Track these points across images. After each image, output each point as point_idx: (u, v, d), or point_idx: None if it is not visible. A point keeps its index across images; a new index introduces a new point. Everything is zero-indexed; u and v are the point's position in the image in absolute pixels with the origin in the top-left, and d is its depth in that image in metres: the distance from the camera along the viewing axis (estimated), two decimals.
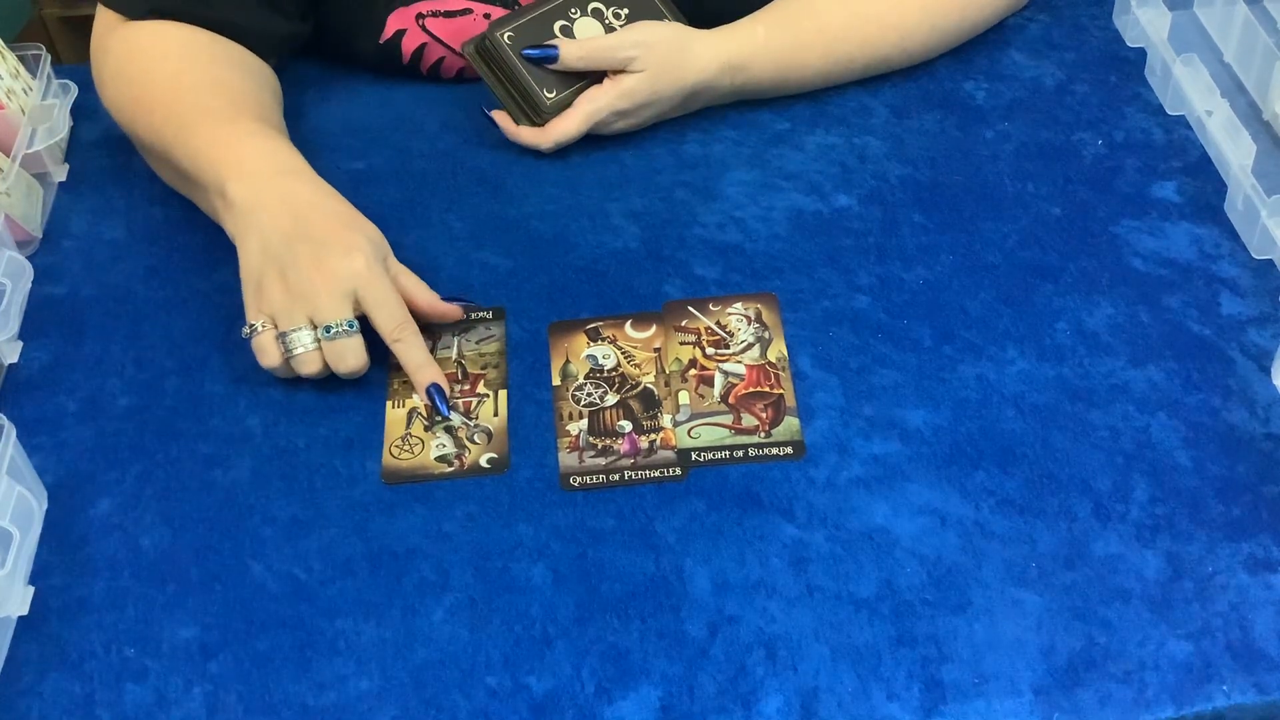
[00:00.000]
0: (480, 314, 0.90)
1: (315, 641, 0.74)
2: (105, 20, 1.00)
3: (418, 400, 0.85)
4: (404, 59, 1.05)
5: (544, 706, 0.71)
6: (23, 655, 0.74)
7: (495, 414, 0.84)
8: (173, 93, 0.93)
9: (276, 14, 1.01)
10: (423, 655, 0.73)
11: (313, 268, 0.82)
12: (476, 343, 0.88)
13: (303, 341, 0.83)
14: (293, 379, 0.86)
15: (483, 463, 0.82)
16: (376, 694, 0.72)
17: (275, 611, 0.75)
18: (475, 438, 0.83)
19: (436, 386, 0.84)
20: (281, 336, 0.83)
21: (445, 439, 0.83)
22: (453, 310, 0.87)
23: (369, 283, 0.83)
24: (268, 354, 0.84)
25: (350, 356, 0.83)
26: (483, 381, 0.86)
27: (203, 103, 0.92)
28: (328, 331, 0.82)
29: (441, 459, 0.82)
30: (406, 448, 0.83)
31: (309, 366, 0.84)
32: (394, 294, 0.84)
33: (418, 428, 0.84)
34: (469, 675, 0.72)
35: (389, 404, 0.85)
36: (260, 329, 0.83)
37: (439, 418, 0.84)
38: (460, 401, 0.85)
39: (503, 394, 0.85)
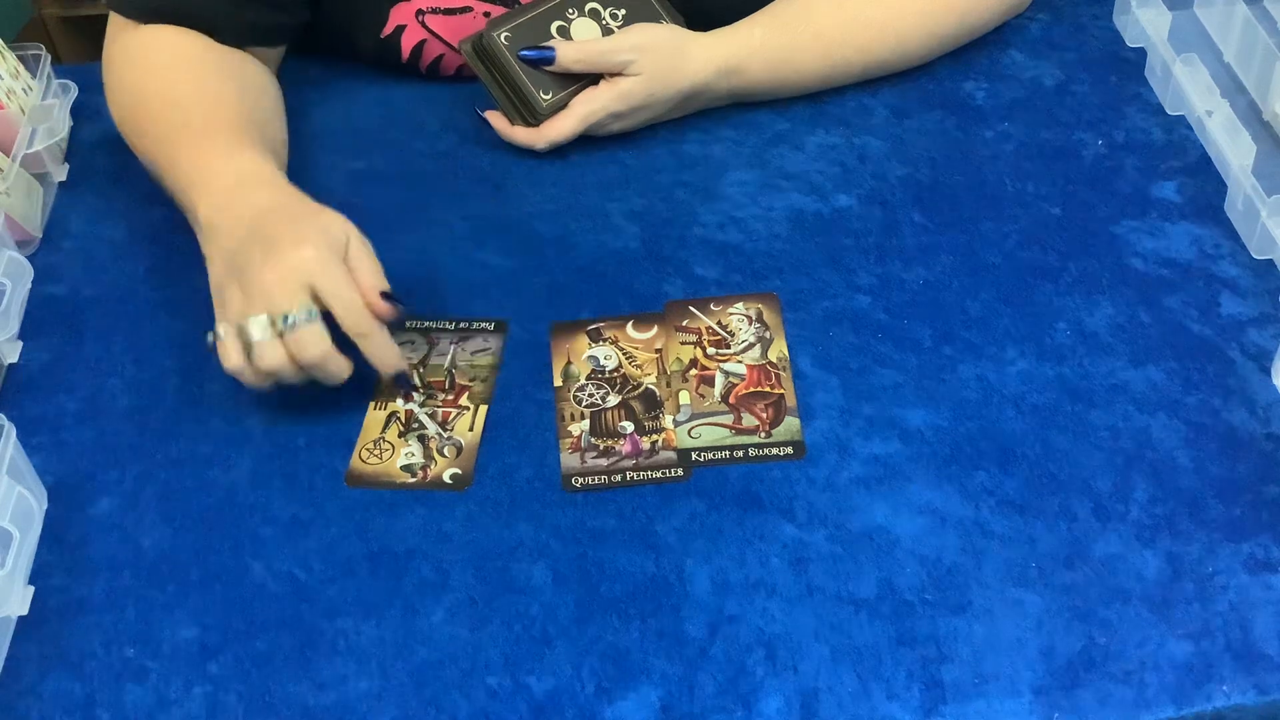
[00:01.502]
0: (482, 325, 0.89)
1: (315, 641, 0.74)
2: (110, 28, 1.00)
3: (400, 404, 0.85)
4: (403, 55, 1.05)
5: (544, 706, 0.71)
6: (23, 655, 0.74)
7: (470, 429, 0.84)
8: (159, 111, 0.94)
9: (271, 7, 1.01)
10: (423, 655, 0.73)
11: (263, 265, 0.80)
12: (471, 354, 0.88)
13: (259, 328, 0.79)
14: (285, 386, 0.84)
15: (445, 477, 0.81)
16: (376, 694, 0.72)
17: (275, 611, 0.75)
18: (445, 450, 0.83)
19: (404, 374, 0.84)
20: (240, 333, 0.81)
21: (415, 448, 0.83)
22: (382, 308, 0.83)
23: (320, 272, 0.80)
24: (229, 355, 0.81)
25: (310, 345, 0.80)
26: (467, 394, 0.86)
27: (182, 119, 0.93)
28: (285, 321, 0.79)
29: (406, 468, 0.82)
30: (376, 452, 0.83)
31: (269, 358, 0.80)
32: (349, 283, 0.81)
33: (392, 433, 0.84)
34: (469, 675, 0.72)
35: (371, 404, 0.85)
36: (223, 334, 0.81)
37: (415, 416, 0.84)
38: (440, 411, 0.85)
39: (483, 409, 0.85)
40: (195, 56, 0.98)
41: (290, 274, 0.80)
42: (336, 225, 0.83)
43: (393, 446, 0.83)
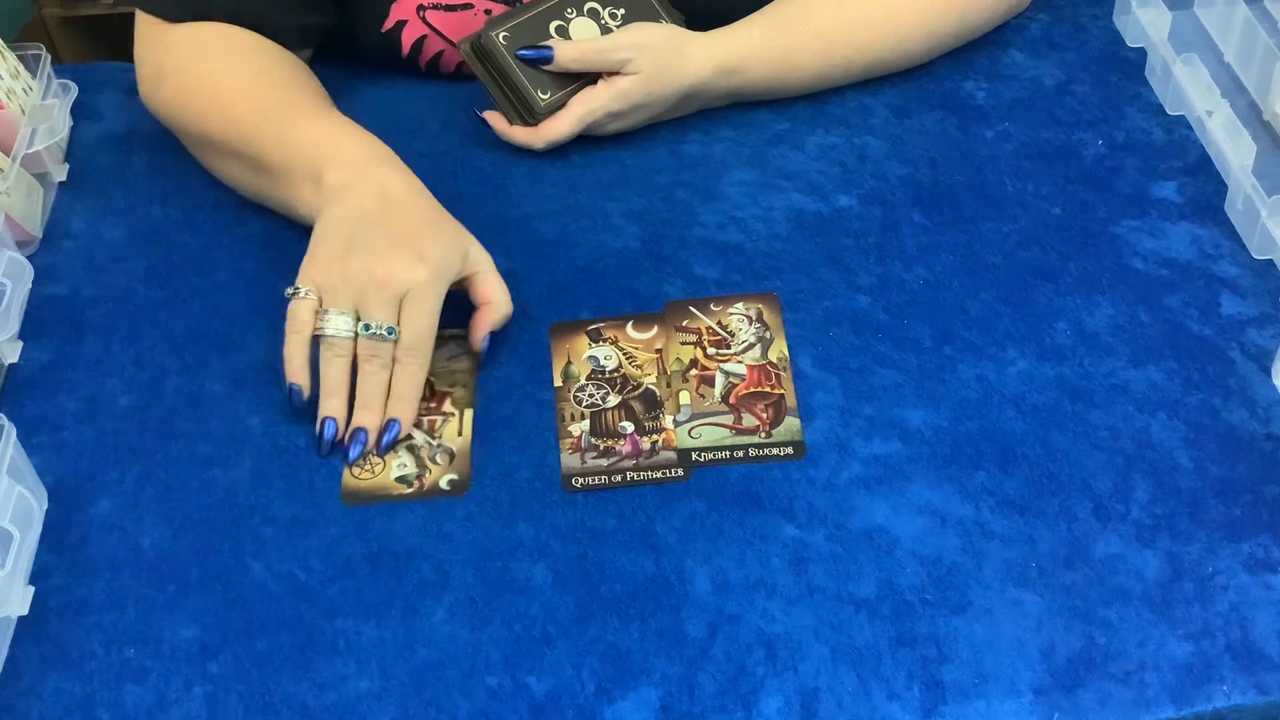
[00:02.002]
0: (453, 331, 0.88)
1: (315, 641, 0.74)
2: (150, 40, 1.00)
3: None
4: (403, 51, 1.05)
5: (544, 706, 0.71)
6: (23, 655, 0.74)
7: (460, 434, 0.83)
8: (256, 86, 0.95)
9: (313, 8, 1.01)
10: (423, 655, 0.73)
11: (376, 260, 0.82)
12: (447, 359, 0.87)
13: (340, 327, 0.82)
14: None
15: (443, 484, 0.81)
16: (376, 694, 0.72)
17: (275, 611, 0.75)
18: (437, 458, 0.82)
19: (398, 427, 0.83)
20: (322, 314, 0.82)
21: (407, 458, 0.82)
22: (476, 342, 0.86)
23: (418, 297, 0.82)
24: (299, 321, 0.82)
25: (379, 356, 0.82)
26: (449, 400, 0.85)
27: (291, 96, 0.94)
28: (367, 329, 0.81)
29: (401, 479, 0.81)
30: (367, 467, 0.82)
31: (337, 354, 0.82)
32: (432, 318, 0.83)
33: None
34: (469, 675, 0.72)
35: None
36: (304, 294, 0.82)
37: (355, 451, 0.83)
38: (425, 420, 0.84)
39: (468, 413, 0.84)
40: (262, 47, 0.99)
41: (394, 286, 0.82)
42: (457, 246, 0.86)
43: (383, 460, 0.83)
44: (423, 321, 0.83)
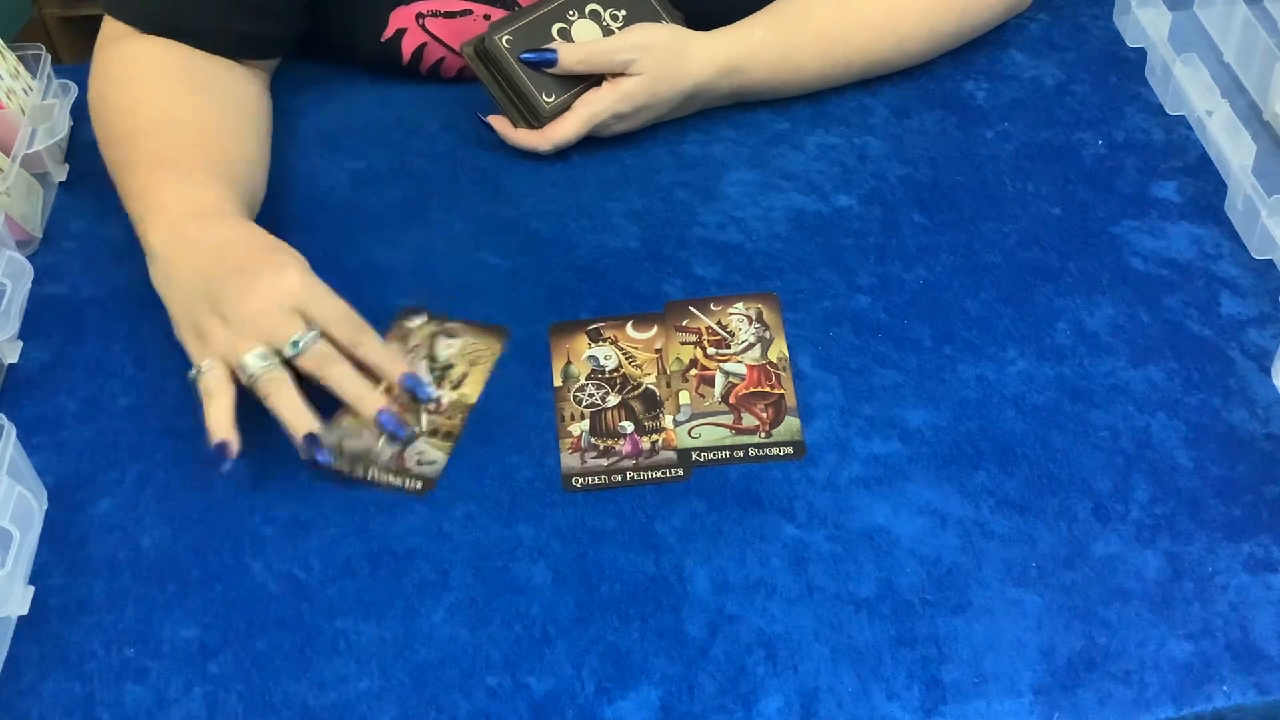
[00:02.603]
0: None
1: (315, 641, 0.74)
2: (100, 36, 1.00)
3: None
4: (404, 58, 1.05)
5: (544, 706, 0.71)
6: (23, 655, 0.74)
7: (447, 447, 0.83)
8: (126, 130, 0.93)
9: (272, 19, 1.00)
10: (423, 655, 0.73)
11: (248, 294, 0.79)
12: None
13: (261, 361, 0.78)
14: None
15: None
16: (376, 694, 0.72)
17: (275, 611, 0.75)
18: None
19: (411, 375, 0.81)
20: (239, 369, 0.79)
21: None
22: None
23: (311, 295, 0.80)
24: (215, 389, 0.78)
25: (323, 356, 0.79)
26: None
27: (146, 144, 0.91)
28: (295, 346, 0.78)
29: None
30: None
31: (278, 383, 0.78)
32: (339, 300, 0.81)
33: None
34: (469, 675, 0.72)
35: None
36: (207, 367, 0.79)
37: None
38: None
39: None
40: (171, 74, 0.96)
41: (281, 299, 0.79)
42: (301, 256, 0.83)
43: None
44: (336, 308, 0.80)
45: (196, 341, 0.81)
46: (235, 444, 0.78)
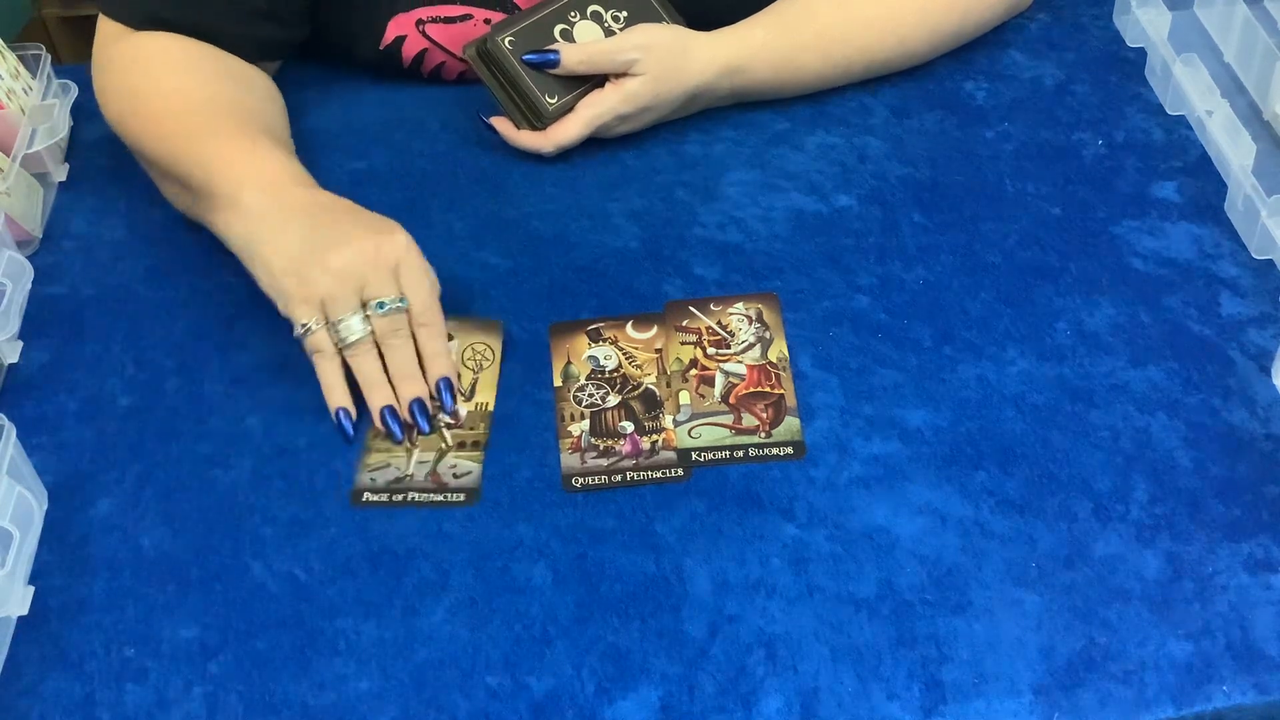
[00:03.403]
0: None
1: (315, 641, 0.74)
2: (104, 33, 0.99)
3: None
4: (405, 64, 1.05)
5: (544, 706, 0.71)
6: (23, 655, 0.74)
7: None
8: (181, 105, 0.93)
9: (272, 22, 1.01)
10: (423, 655, 0.73)
11: (355, 245, 0.82)
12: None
13: (358, 328, 0.82)
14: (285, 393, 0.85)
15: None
16: (376, 694, 0.72)
17: (275, 611, 0.75)
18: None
19: (448, 380, 0.84)
20: (334, 326, 0.82)
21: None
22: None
23: (410, 264, 0.83)
24: (323, 349, 0.82)
25: (399, 327, 0.82)
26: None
27: (212, 116, 0.92)
28: (381, 307, 0.82)
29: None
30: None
31: (365, 350, 0.82)
32: (432, 279, 0.84)
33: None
34: (469, 675, 0.72)
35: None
36: (314, 326, 0.82)
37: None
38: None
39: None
40: (207, 61, 0.97)
41: (387, 255, 0.83)
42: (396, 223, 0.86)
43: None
44: (425, 284, 0.84)
45: (299, 287, 0.82)
46: (352, 407, 0.83)
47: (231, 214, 0.86)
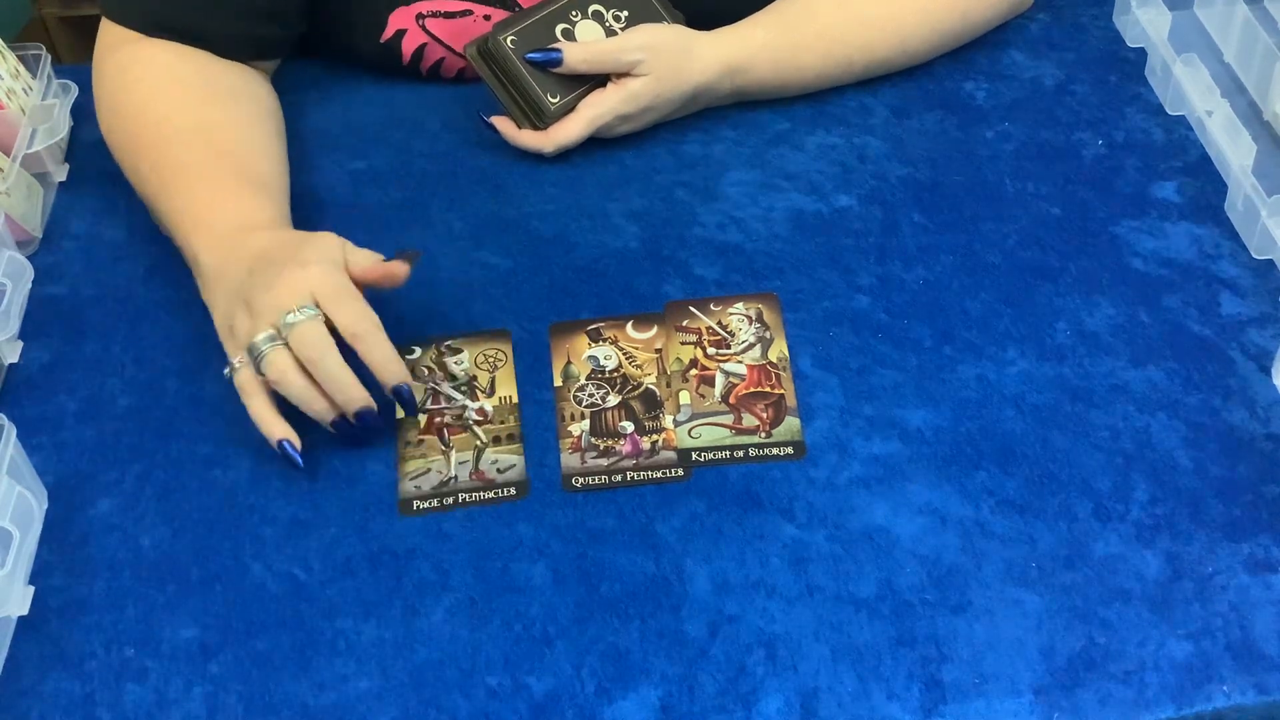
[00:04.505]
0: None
1: (315, 641, 0.74)
2: (104, 40, 0.99)
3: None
4: (404, 59, 1.05)
5: (544, 706, 0.71)
6: (23, 655, 0.74)
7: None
8: (158, 140, 0.93)
9: (273, 21, 1.01)
10: (423, 655, 0.73)
11: (269, 288, 0.80)
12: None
13: (260, 348, 0.79)
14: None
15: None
16: (376, 694, 0.72)
17: (275, 611, 0.75)
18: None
19: (406, 387, 0.81)
20: (255, 355, 0.79)
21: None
22: (395, 268, 0.83)
23: (323, 282, 0.80)
24: (248, 386, 0.80)
25: (309, 340, 0.78)
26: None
27: (182, 156, 0.92)
28: (289, 321, 0.79)
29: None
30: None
31: (275, 364, 0.79)
32: (353, 291, 0.81)
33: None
34: (469, 675, 0.72)
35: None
36: (237, 365, 0.81)
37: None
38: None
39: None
40: (194, 80, 0.97)
41: (294, 287, 0.80)
42: (330, 241, 0.84)
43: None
44: (349, 304, 0.80)
45: (229, 338, 0.82)
46: (293, 435, 0.80)
47: (195, 272, 0.88)
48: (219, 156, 0.92)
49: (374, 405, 0.81)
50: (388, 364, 0.81)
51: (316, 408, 0.80)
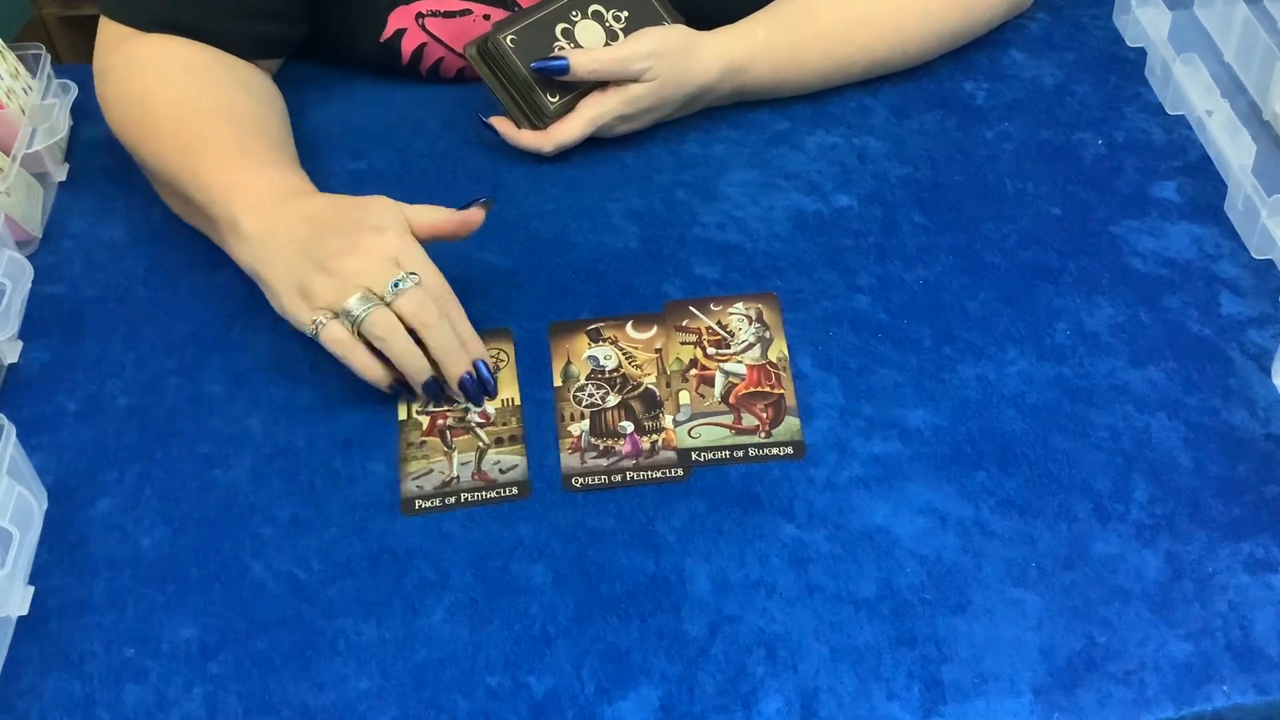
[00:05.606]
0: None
1: (315, 641, 0.74)
2: (105, 38, 0.99)
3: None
4: (404, 58, 1.05)
5: (544, 706, 0.71)
6: (23, 655, 0.74)
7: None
8: (179, 119, 0.93)
9: (274, 19, 1.01)
10: (423, 655, 0.73)
11: (350, 250, 0.81)
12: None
13: (366, 305, 0.80)
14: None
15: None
16: (376, 694, 0.72)
17: (275, 611, 0.75)
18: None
19: (485, 363, 0.85)
20: (344, 315, 0.81)
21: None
22: (471, 215, 0.87)
23: (403, 248, 0.82)
24: (341, 340, 0.81)
25: (422, 304, 0.81)
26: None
27: (209, 131, 0.92)
28: (396, 286, 0.81)
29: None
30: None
31: (380, 324, 0.80)
32: (431, 265, 0.83)
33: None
34: (469, 675, 0.72)
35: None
36: (324, 319, 0.81)
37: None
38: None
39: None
40: (207, 67, 0.97)
41: (380, 253, 0.82)
42: (390, 204, 0.85)
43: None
44: (429, 270, 0.83)
45: (301, 301, 0.82)
46: (395, 376, 0.83)
47: (232, 238, 0.87)
48: (248, 132, 0.93)
49: (474, 371, 0.84)
50: (471, 339, 0.85)
51: (417, 365, 0.83)
